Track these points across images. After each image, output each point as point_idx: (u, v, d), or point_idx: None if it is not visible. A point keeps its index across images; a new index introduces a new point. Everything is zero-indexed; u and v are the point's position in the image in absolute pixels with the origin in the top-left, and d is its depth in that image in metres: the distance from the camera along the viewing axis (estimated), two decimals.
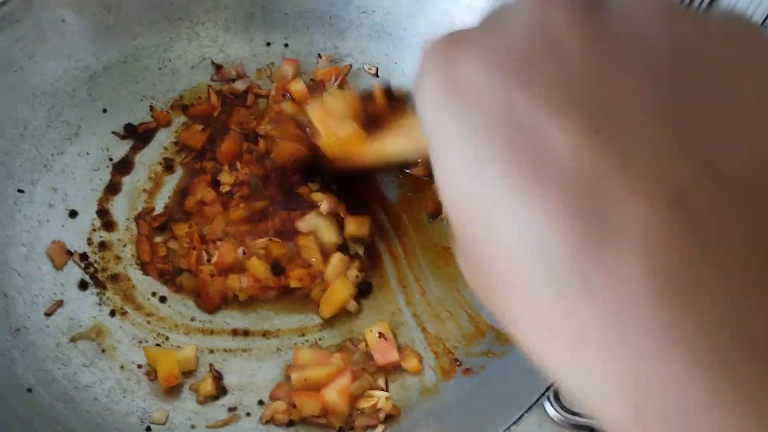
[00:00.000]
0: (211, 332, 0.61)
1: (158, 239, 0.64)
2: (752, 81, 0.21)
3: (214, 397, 0.57)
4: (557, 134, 0.20)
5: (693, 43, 0.21)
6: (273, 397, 0.57)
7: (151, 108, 0.71)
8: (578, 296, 0.19)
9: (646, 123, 0.20)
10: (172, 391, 0.57)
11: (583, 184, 0.19)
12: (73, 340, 0.58)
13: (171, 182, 0.68)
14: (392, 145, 0.56)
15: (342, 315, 0.62)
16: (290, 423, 0.56)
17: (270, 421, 0.56)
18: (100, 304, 0.60)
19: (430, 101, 0.23)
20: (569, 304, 0.20)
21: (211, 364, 0.58)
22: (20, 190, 0.63)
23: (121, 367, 0.58)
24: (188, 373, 0.58)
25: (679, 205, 0.18)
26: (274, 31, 0.75)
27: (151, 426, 0.55)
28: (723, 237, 0.18)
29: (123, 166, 0.68)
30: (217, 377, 0.58)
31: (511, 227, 0.21)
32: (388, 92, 0.65)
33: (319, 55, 0.75)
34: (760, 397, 0.17)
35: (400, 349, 0.59)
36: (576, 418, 0.60)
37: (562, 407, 0.61)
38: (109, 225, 0.65)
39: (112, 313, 0.60)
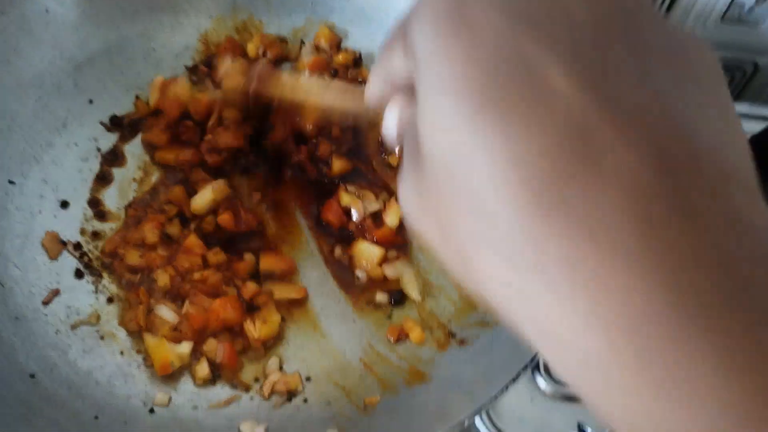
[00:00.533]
0: None
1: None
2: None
3: (211, 381, 0.58)
4: (559, 79, 0.22)
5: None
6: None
7: (137, 98, 0.71)
8: (557, 217, 0.21)
9: (633, 87, 0.22)
10: (172, 376, 0.58)
11: (577, 122, 0.21)
12: (73, 327, 0.59)
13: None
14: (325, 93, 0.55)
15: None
16: (290, 396, 0.57)
17: (272, 393, 0.57)
18: (96, 292, 0.61)
19: (432, 26, 0.24)
20: (546, 227, 0.21)
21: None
22: (11, 182, 0.63)
23: (121, 352, 0.59)
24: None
25: (655, 154, 0.21)
26: (255, 18, 0.75)
27: (155, 408, 0.56)
28: (689, 188, 0.21)
29: (112, 157, 0.69)
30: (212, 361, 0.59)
31: (500, 152, 0.22)
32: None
33: (303, 42, 0.76)
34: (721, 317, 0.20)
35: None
36: (566, 389, 0.62)
37: (553, 379, 0.63)
38: (101, 214, 0.65)
39: (109, 300, 0.61)
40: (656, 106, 0.21)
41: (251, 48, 0.73)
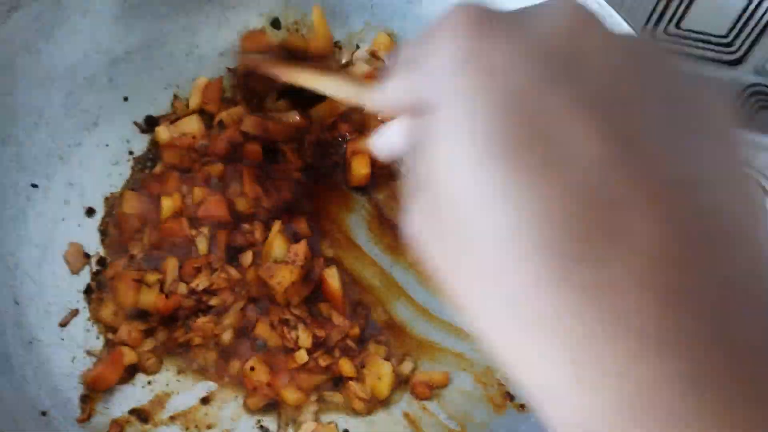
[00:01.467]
0: None
1: None
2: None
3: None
4: (580, 137, 0.21)
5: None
6: None
7: (175, 97, 0.65)
8: (569, 290, 0.20)
9: (659, 155, 0.21)
10: None
11: (603, 191, 0.21)
12: (90, 353, 0.53)
13: None
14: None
15: None
16: None
17: None
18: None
19: (451, 64, 0.24)
20: (557, 299, 0.20)
21: None
22: (34, 185, 0.58)
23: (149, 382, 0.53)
24: None
25: (678, 235, 0.20)
26: (308, 18, 0.69)
27: None
28: (710, 269, 0.21)
29: (144, 160, 0.63)
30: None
31: (521, 210, 0.21)
32: None
33: (357, 46, 0.69)
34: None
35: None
36: None
37: None
38: None
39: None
40: (679, 175, 0.21)
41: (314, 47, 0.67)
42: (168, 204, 0.58)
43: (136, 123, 0.64)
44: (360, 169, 0.63)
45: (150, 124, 0.64)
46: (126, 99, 0.64)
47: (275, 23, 0.68)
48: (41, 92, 0.59)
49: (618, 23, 0.56)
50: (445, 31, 0.25)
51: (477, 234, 0.22)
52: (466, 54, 0.23)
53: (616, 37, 0.24)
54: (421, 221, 0.25)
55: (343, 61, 0.69)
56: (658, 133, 0.22)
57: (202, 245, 0.57)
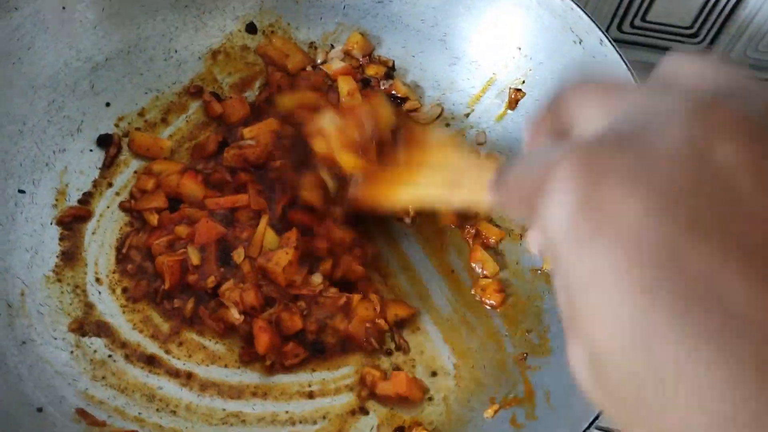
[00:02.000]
0: None
1: None
2: None
3: None
4: (741, 295, 0.18)
5: None
6: None
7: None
8: None
9: None
10: None
11: None
12: (78, 346, 0.55)
13: None
14: (433, 189, 0.49)
15: None
16: None
17: None
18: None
19: (569, 227, 0.21)
20: None
21: None
22: (21, 191, 0.60)
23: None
24: None
25: None
26: (283, 21, 0.71)
27: None
28: None
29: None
30: None
31: (692, 387, 0.19)
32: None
33: (332, 46, 0.71)
34: None
35: None
36: None
37: None
38: None
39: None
40: None
41: (291, 64, 0.69)
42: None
43: (116, 126, 0.66)
44: None
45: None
46: (108, 104, 0.65)
47: (250, 27, 0.70)
48: (24, 101, 0.61)
49: (578, 16, 0.59)
50: (555, 171, 0.22)
51: (662, 405, 0.20)
52: (585, 210, 0.21)
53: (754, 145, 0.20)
54: (583, 369, 0.22)
55: (319, 60, 0.71)
56: None
57: (194, 257, 0.59)
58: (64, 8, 0.62)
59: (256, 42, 0.70)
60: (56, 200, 0.61)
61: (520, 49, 0.65)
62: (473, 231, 0.64)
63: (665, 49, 0.82)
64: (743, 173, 0.19)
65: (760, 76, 0.83)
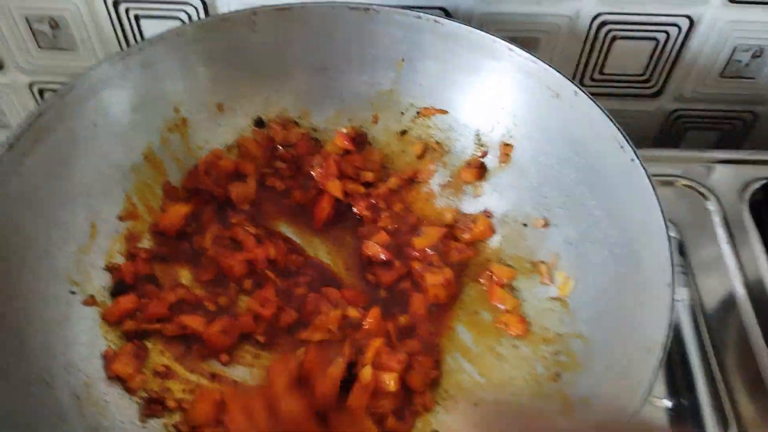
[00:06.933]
0: None
1: None
2: None
3: None
4: None
5: None
6: None
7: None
8: None
9: None
10: None
11: None
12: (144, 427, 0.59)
13: None
14: None
15: None
16: None
17: None
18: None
19: None
20: None
21: None
22: (72, 292, 0.64)
23: None
24: None
25: None
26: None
27: None
28: None
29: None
30: None
31: None
32: None
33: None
34: None
35: None
36: None
37: None
38: None
39: None
40: None
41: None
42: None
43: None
44: None
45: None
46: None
47: (259, 123, 0.78)
48: (65, 210, 0.66)
49: (552, 75, 0.68)
50: None
51: None
52: None
53: None
54: None
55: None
56: None
57: None
58: (95, 125, 0.68)
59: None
60: (103, 296, 0.66)
61: (503, 108, 0.73)
62: (488, 273, 0.70)
63: (624, 96, 0.92)
64: None
65: (711, 107, 0.93)
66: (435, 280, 0.68)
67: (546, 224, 0.70)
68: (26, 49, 0.87)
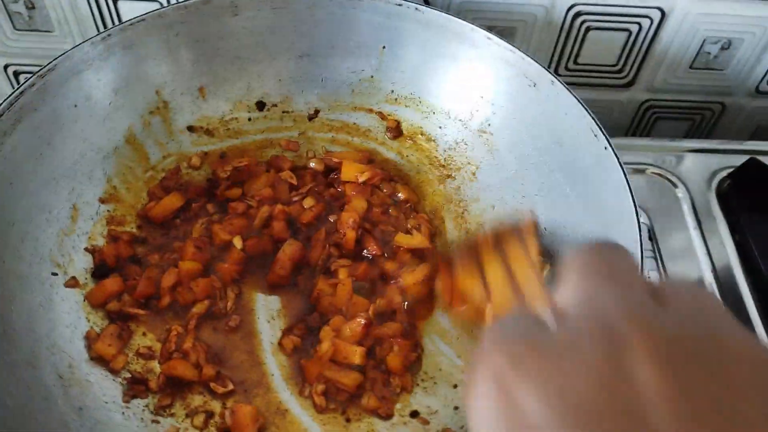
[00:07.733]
0: None
1: None
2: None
3: None
4: None
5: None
6: None
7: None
8: None
9: None
10: None
11: None
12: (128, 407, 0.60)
13: None
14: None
15: None
16: None
17: None
18: None
19: (487, 423, 0.23)
20: None
21: None
22: (54, 273, 0.64)
23: None
24: None
25: None
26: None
27: None
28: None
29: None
30: None
31: None
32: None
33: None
34: None
35: None
36: None
37: None
38: None
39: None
40: None
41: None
42: None
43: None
44: None
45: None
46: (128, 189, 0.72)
47: (260, 105, 0.78)
48: (48, 191, 0.66)
49: (530, 64, 0.69)
50: (475, 382, 0.25)
51: None
52: (497, 407, 0.23)
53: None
54: None
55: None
56: None
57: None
58: (76, 106, 0.68)
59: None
60: (86, 278, 0.66)
61: (482, 97, 0.75)
62: None
63: (598, 86, 0.94)
64: (657, 401, 0.20)
65: (681, 98, 0.96)
66: (413, 278, 0.69)
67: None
68: (1, 30, 0.86)
